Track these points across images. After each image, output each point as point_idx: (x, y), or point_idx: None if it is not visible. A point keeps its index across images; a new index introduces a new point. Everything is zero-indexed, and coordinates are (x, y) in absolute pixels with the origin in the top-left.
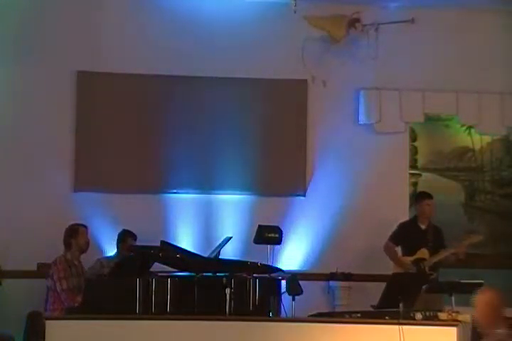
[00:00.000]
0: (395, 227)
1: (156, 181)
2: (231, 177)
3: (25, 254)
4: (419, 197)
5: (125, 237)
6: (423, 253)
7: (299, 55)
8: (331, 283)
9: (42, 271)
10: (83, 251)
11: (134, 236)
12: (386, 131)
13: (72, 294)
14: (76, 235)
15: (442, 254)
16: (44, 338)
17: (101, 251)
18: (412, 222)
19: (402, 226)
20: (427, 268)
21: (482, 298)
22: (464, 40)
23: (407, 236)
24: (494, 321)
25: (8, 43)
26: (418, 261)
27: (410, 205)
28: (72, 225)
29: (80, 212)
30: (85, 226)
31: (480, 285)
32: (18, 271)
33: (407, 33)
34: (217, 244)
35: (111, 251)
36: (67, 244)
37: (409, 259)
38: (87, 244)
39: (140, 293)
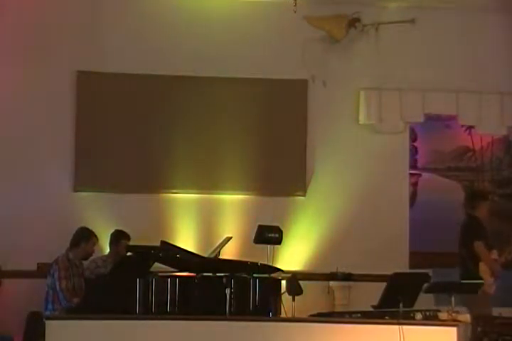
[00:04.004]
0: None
1: (156, 181)
2: (231, 177)
3: (25, 254)
4: (482, 197)
5: (119, 238)
6: (495, 254)
7: (299, 55)
8: (331, 283)
9: (42, 271)
10: (85, 258)
11: (128, 237)
12: (386, 131)
13: (70, 294)
14: (88, 241)
15: (504, 256)
16: (44, 338)
17: (100, 251)
18: (480, 222)
19: (479, 223)
20: None
21: None
22: (464, 40)
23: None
24: None
25: (8, 43)
26: None
27: (410, 205)
28: (89, 230)
29: (80, 212)
30: (97, 239)
31: (480, 285)
32: (18, 271)
33: (407, 33)
34: (217, 244)
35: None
36: (76, 244)
37: None
38: (92, 254)
39: (140, 293)
